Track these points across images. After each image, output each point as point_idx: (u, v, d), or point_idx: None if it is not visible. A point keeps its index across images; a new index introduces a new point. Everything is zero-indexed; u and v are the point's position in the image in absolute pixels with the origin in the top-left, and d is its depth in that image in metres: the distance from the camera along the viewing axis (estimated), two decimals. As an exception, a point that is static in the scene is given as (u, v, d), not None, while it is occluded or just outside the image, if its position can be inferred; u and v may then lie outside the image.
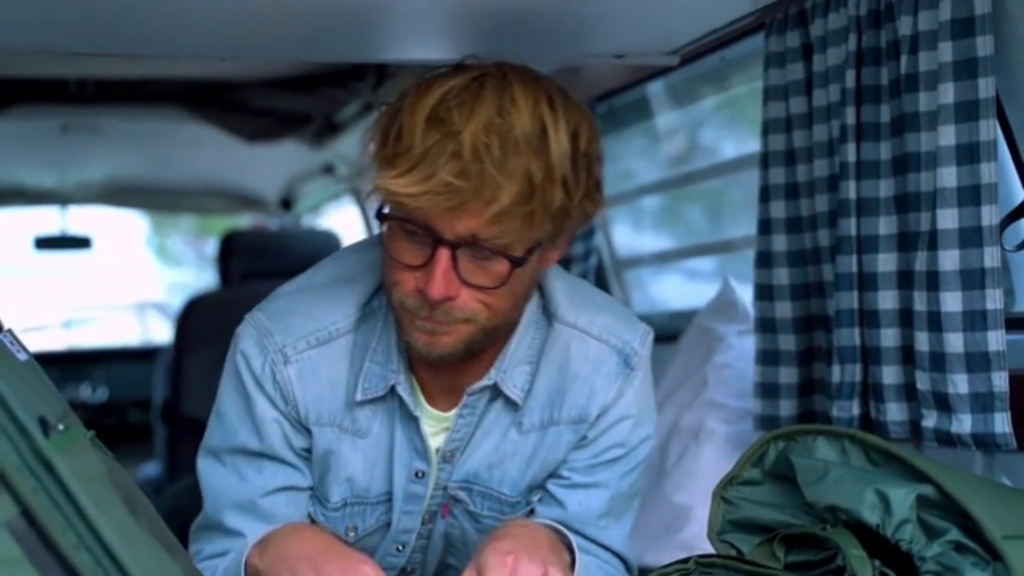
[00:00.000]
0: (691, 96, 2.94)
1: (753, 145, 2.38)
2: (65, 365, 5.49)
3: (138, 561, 1.01)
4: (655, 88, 2.89)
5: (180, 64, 3.02)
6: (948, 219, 1.69)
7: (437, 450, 1.56)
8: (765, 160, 2.11)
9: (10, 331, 1.18)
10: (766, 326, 2.14)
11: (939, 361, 1.72)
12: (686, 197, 3.42)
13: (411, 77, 1.42)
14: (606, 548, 1.62)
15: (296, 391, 1.51)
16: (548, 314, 1.57)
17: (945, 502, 1.28)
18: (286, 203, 5.42)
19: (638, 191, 3.32)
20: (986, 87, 1.65)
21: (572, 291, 1.59)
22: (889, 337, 1.84)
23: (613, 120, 3.03)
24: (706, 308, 2.61)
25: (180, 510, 1.69)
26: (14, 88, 3.38)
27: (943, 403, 1.73)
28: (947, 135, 1.68)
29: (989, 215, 1.67)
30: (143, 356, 5.53)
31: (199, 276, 9.42)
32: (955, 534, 1.27)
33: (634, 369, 1.59)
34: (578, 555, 1.48)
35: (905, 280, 1.81)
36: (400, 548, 1.62)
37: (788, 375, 2.12)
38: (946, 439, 1.73)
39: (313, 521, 1.58)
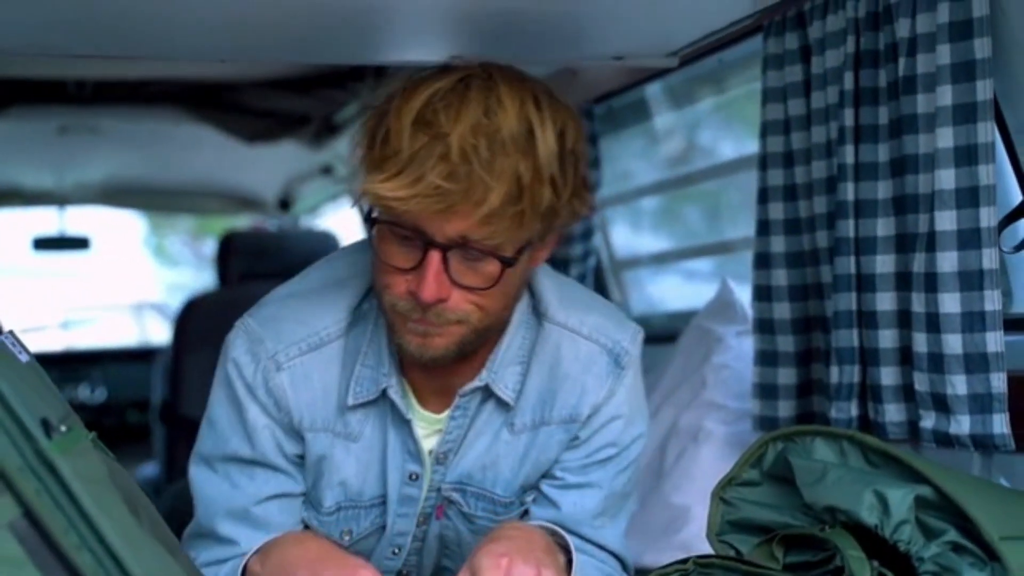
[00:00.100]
0: (689, 97, 2.94)
1: (751, 146, 2.38)
2: (63, 366, 5.49)
3: (140, 562, 1.02)
4: (653, 89, 2.89)
5: (178, 65, 3.02)
6: (946, 221, 1.69)
7: (430, 452, 1.56)
8: (764, 162, 2.11)
9: (11, 332, 1.18)
10: (764, 327, 2.14)
11: (937, 362, 1.72)
12: (684, 198, 3.42)
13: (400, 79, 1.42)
14: (602, 548, 1.62)
15: (289, 398, 1.51)
16: (538, 314, 1.57)
17: (943, 503, 1.28)
18: (284, 204, 5.42)
19: (636, 192, 3.32)
20: (984, 89, 1.65)
21: (562, 291, 1.60)
22: (887, 338, 1.84)
23: (611, 121, 3.03)
24: (705, 309, 2.62)
25: (179, 510, 1.69)
26: (12, 89, 3.38)
27: (941, 404, 1.73)
28: (945, 137, 1.68)
29: (987, 217, 1.67)
30: (141, 356, 5.53)
31: (197, 276, 9.43)
32: (953, 535, 1.27)
33: (624, 368, 1.59)
34: (575, 555, 1.48)
35: (903, 281, 1.82)
36: (396, 551, 1.63)
37: (786, 376, 2.12)
38: (944, 440, 1.74)
39: (307, 526, 1.57)
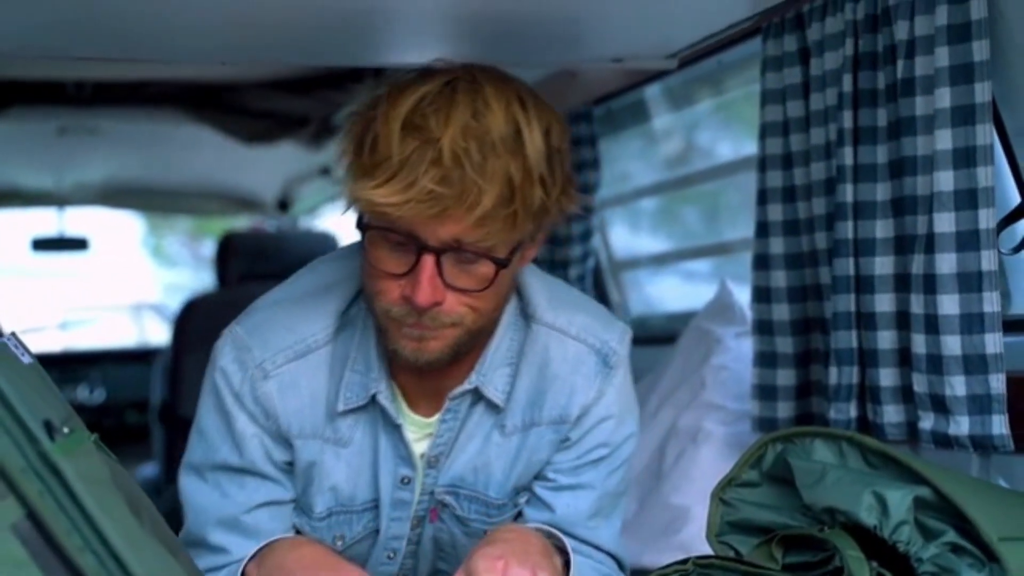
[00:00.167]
0: (688, 99, 2.94)
1: (749, 148, 2.38)
2: (62, 366, 5.49)
3: (142, 562, 1.02)
4: (652, 91, 2.89)
5: (177, 66, 3.02)
6: (945, 222, 1.69)
7: (422, 456, 1.56)
8: (763, 163, 2.11)
9: (14, 334, 1.18)
10: (764, 328, 2.14)
11: (936, 363, 1.73)
12: (683, 199, 3.42)
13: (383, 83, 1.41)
14: (598, 548, 1.62)
15: (277, 406, 1.51)
16: (526, 315, 1.57)
17: (942, 504, 1.29)
18: (283, 205, 5.43)
19: (635, 193, 3.33)
20: (982, 91, 1.65)
21: (550, 291, 1.60)
22: (886, 339, 1.84)
23: (611, 123, 3.03)
24: (704, 310, 2.62)
25: (179, 511, 1.69)
26: (12, 90, 3.38)
27: (940, 405, 1.73)
28: (944, 139, 1.68)
29: (986, 218, 1.67)
30: (140, 357, 5.54)
31: (195, 277, 9.43)
32: (952, 536, 1.28)
33: (613, 368, 1.59)
34: (572, 556, 1.48)
35: (902, 283, 1.82)
36: (391, 555, 1.63)
37: (786, 377, 2.12)
38: (943, 441, 1.74)
39: (299, 532, 1.57)
